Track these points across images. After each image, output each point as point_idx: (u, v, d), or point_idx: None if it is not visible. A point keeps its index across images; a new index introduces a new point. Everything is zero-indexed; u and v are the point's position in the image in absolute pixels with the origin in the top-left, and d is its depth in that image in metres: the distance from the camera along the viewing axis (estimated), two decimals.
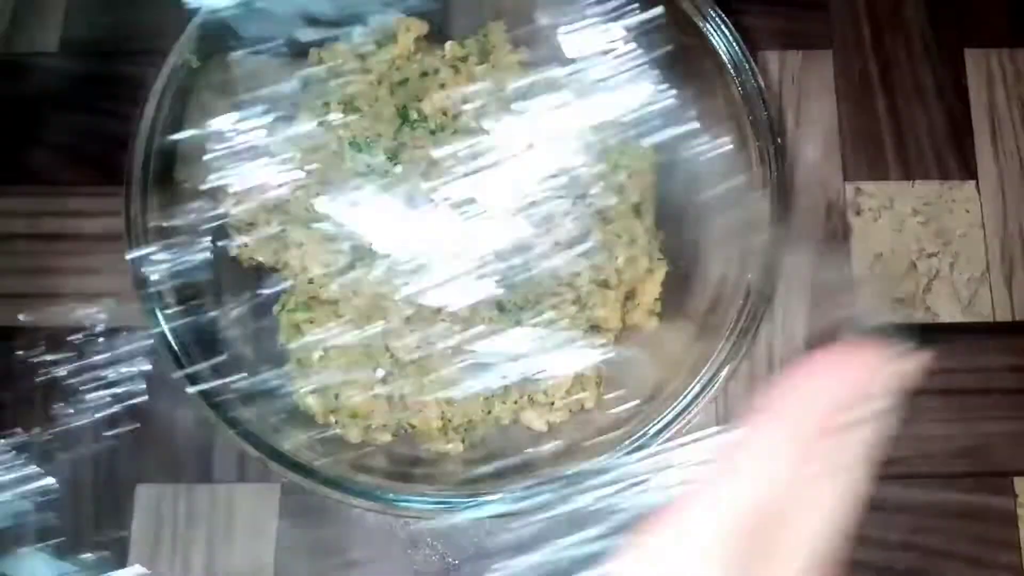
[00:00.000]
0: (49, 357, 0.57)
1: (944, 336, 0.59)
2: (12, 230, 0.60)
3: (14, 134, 0.63)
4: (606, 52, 0.53)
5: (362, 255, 0.52)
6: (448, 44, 0.56)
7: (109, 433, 0.56)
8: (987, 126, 0.63)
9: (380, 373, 0.50)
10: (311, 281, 0.52)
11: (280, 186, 0.54)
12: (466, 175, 0.54)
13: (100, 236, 0.59)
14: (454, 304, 0.50)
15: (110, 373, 0.56)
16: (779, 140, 0.50)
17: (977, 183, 0.62)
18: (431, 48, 0.57)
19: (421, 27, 0.56)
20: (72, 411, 0.56)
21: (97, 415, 0.56)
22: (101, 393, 0.56)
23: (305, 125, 0.55)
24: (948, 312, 0.60)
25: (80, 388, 0.57)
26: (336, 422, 0.50)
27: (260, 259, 0.54)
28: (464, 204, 0.55)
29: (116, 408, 0.56)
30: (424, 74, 0.55)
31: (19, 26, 0.65)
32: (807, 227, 0.61)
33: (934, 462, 0.57)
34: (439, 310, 0.50)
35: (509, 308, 0.50)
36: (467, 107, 0.55)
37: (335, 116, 0.54)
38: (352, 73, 0.55)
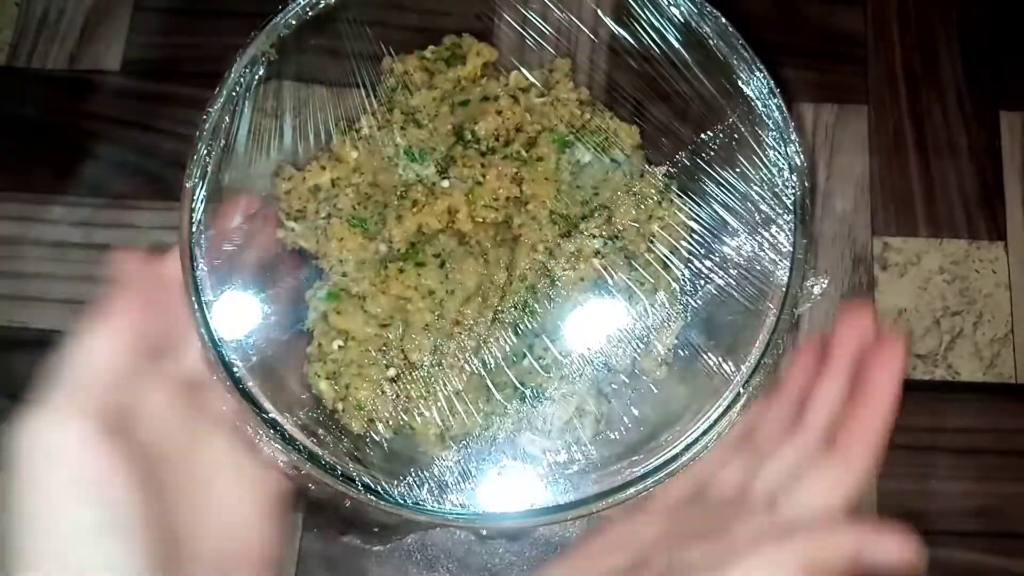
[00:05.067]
0: None
1: (964, 395, 0.59)
2: (67, 239, 0.63)
3: (74, 147, 0.66)
4: None
5: (394, 259, 0.54)
6: (513, 73, 0.58)
7: None
8: (1019, 188, 0.64)
9: (391, 372, 0.52)
10: (345, 274, 0.54)
11: (334, 182, 0.57)
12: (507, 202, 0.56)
13: (152, 249, 0.62)
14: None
15: None
16: (809, 191, 0.51)
17: (1006, 244, 0.63)
18: (496, 74, 0.59)
19: (491, 53, 0.59)
20: None
21: None
22: None
23: (366, 128, 0.57)
24: (969, 371, 0.60)
25: None
26: (343, 410, 0.51)
27: (303, 244, 0.56)
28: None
29: None
30: (485, 98, 0.57)
31: (84, 46, 0.69)
32: (832, 280, 0.61)
33: (948, 520, 0.57)
34: (457, 322, 0.52)
35: (524, 332, 0.52)
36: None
37: (396, 124, 0.56)
38: (418, 87, 0.58)
